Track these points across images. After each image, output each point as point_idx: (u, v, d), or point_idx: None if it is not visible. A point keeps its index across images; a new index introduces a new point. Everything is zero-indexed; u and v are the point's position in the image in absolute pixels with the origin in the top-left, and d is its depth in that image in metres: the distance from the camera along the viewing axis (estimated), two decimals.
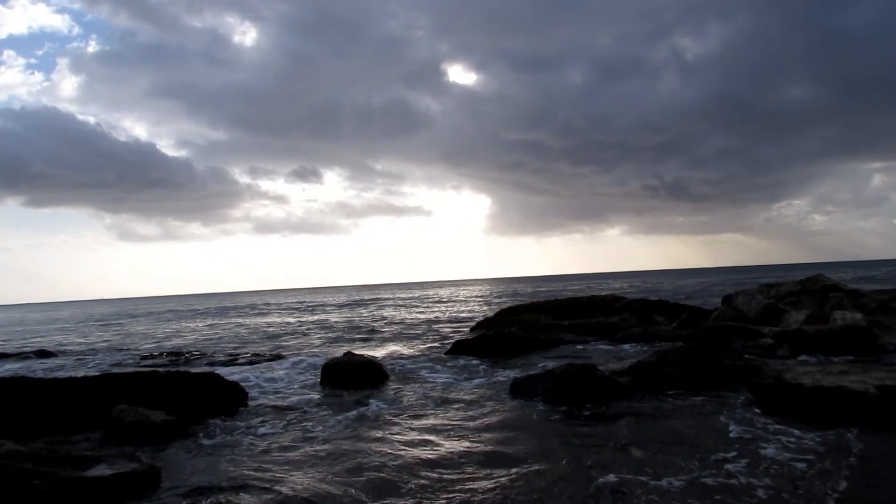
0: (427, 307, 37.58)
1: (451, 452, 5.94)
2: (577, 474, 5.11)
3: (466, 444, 6.25)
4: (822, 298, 13.99)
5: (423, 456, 5.87)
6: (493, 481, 5.05)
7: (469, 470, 5.38)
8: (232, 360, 14.14)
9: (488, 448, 6.05)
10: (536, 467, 5.34)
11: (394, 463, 5.67)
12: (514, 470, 5.30)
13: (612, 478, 4.94)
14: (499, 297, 47.46)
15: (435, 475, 5.27)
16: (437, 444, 6.28)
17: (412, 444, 6.35)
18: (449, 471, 5.38)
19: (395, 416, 7.72)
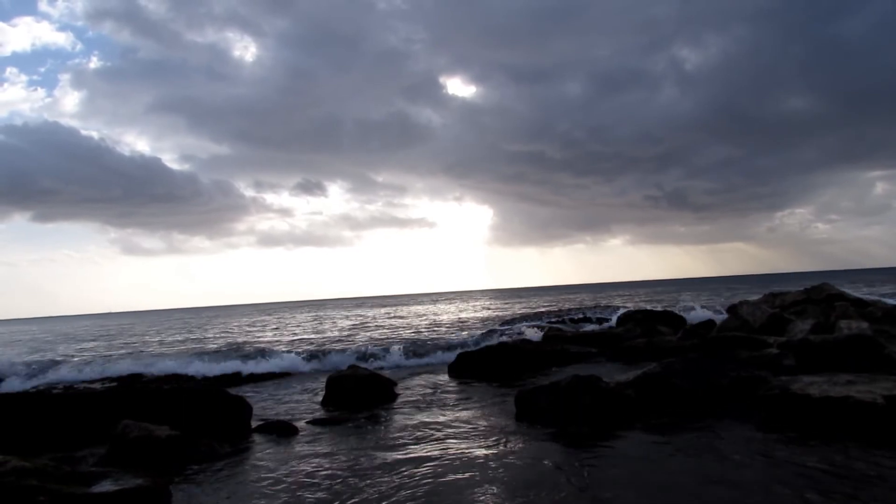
0: (431, 318, 37.50)
1: (457, 474, 5.91)
2: (580, 496, 5.05)
3: (472, 461, 6.23)
4: (827, 308, 13.91)
5: (429, 474, 5.85)
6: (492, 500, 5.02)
7: (472, 490, 5.35)
8: (236, 375, 14.12)
9: (490, 463, 6.03)
10: (539, 487, 5.31)
11: (397, 485, 5.64)
12: (516, 487, 5.28)
13: (613, 497, 4.91)
14: (503, 307, 47.34)
15: (438, 493, 5.25)
16: (443, 463, 6.26)
17: (418, 465, 6.33)
18: (450, 487, 5.36)
19: (399, 436, 7.71)
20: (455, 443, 6.93)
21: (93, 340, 35.42)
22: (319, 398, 10.56)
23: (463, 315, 39.89)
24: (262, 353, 17.48)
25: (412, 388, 11.27)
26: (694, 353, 10.88)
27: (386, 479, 5.68)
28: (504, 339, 16.99)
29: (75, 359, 21.28)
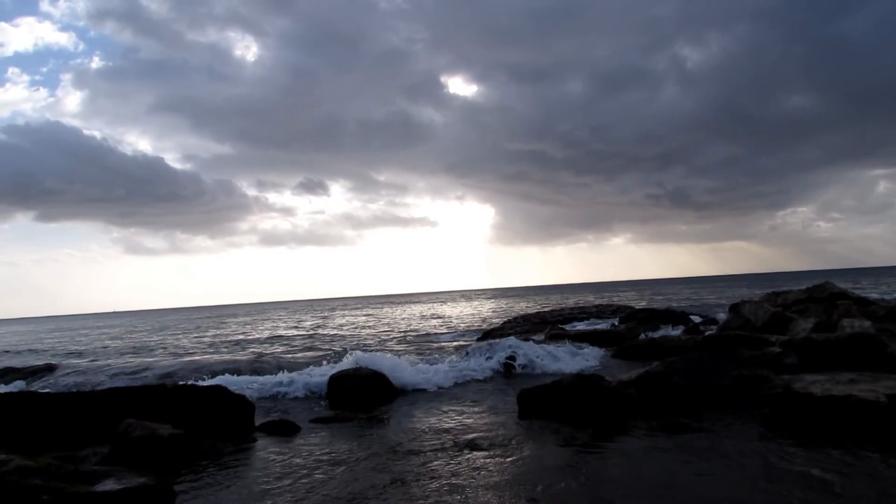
0: (433, 317, 37.52)
1: (458, 473, 5.92)
2: (580, 495, 5.04)
3: (473, 460, 6.24)
4: (829, 306, 13.90)
5: (430, 474, 5.85)
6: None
7: (472, 489, 5.35)
8: (237, 374, 14.13)
9: (491, 461, 6.03)
10: (540, 485, 5.32)
11: (397, 484, 5.65)
12: (517, 486, 5.28)
13: (614, 496, 4.91)
14: (504, 306, 47.34)
15: (439, 492, 5.25)
16: (443, 462, 6.27)
17: (418, 465, 6.34)
18: (451, 486, 5.36)
19: (399, 435, 7.72)
20: (456, 441, 6.94)
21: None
22: (320, 396, 10.58)
23: (464, 314, 39.96)
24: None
25: (411, 387, 11.26)
26: (696, 352, 10.88)
27: (386, 478, 5.69)
28: (504, 339, 16.95)
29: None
